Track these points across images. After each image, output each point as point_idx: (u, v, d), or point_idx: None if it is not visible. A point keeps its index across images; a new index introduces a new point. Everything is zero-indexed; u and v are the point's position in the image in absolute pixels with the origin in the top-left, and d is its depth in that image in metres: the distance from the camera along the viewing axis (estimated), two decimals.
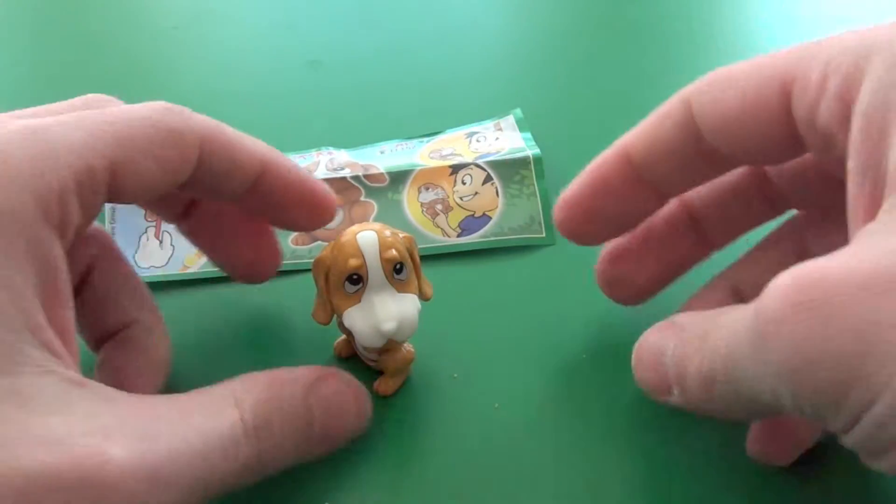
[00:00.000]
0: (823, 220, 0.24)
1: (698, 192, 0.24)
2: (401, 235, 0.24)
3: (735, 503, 0.22)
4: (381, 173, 0.35)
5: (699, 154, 0.21)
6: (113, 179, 0.19)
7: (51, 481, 0.15)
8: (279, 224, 0.26)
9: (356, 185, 0.34)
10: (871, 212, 0.15)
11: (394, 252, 0.23)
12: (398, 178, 0.35)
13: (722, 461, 0.23)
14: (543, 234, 0.33)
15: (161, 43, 0.50)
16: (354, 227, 0.23)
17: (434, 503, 0.22)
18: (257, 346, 0.28)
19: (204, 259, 0.32)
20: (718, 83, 0.20)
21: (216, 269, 0.31)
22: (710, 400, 0.18)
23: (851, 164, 0.16)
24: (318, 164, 0.36)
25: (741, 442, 0.24)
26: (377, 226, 0.24)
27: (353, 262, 0.22)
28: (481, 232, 0.33)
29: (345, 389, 0.22)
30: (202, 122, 0.22)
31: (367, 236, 0.23)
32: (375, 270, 0.23)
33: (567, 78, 0.46)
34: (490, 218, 0.34)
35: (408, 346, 0.26)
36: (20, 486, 0.15)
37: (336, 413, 0.22)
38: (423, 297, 0.24)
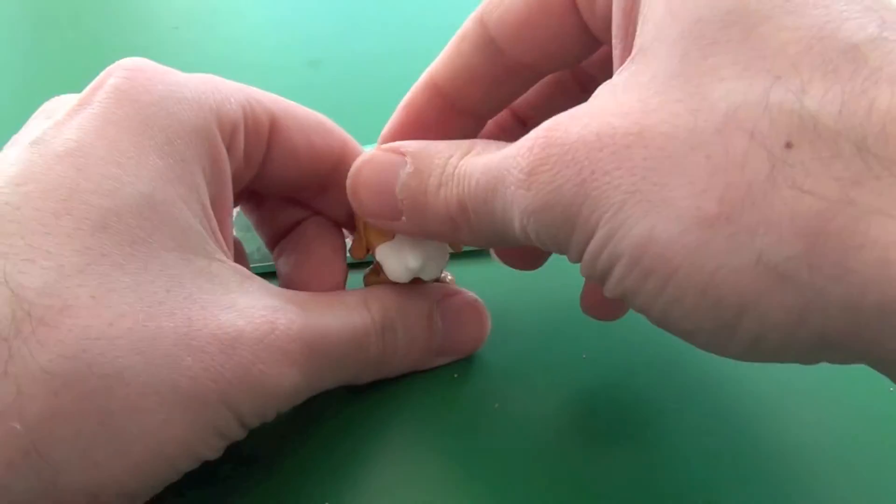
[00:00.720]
0: None
1: (525, 100, 0.25)
2: None
3: (739, 500, 0.22)
4: None
5: (503, 70, 0.22)
6: (272, 135, 0.22)
7: (241, 337, 0.18)
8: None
9: None
10: None
11: None
12: None
13: (726, 459, 0.23)
14: None
15: (161, 43, 0.50)
16: None
17: (434, 503, 0.22)
18: None
19: None
20: None
21: None
22: (456, 229, 0.19)
23: (612, 32, 0.18)
24: None
25: (744, 439, 0.24)
26: None
27: None
28: None
29: (468, 307, 0.25)
30: (345, 133, 0.24)
31: None
32: None
33: None
34: None
35: (449, 276, 0.27)
36: (224, 337, 0.18)
37: (457, 328, 0.25)
38: (454, 246, 0.26)
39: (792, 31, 0.14)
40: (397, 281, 0.24)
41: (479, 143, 0.19)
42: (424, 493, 0.23)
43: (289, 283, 0.24)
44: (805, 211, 0.13)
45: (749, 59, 0.14)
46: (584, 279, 0.29)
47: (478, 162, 0.19)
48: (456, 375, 0.26)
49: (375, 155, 0.21)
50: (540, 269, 0.32)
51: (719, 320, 0.15)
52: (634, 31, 0.17)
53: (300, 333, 0.20)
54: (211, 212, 0.20)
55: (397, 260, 0.24)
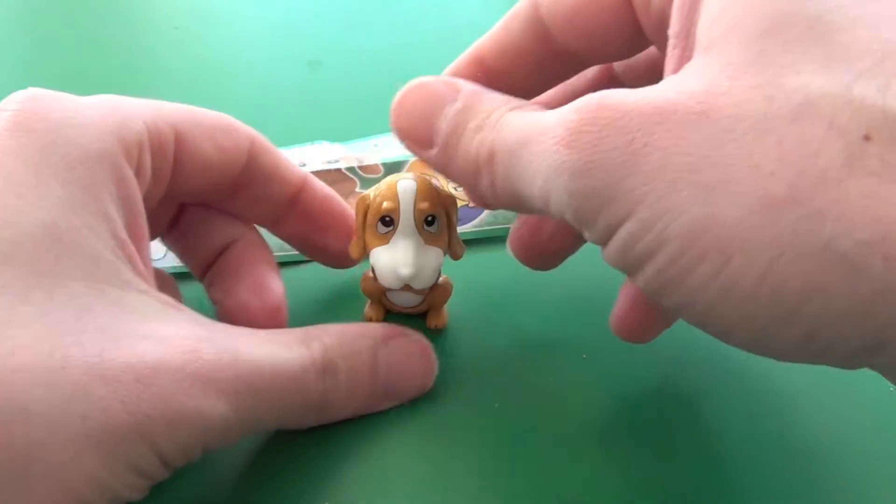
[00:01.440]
0: None
1: (555, 94, 0.24)
2: (442, 192, 0.25)
3: (741, 500, 0.22)
4: (376, 164, 0.35)
5: (550, 54, 0.21)
6: (178, 148, 0.21)
7: (160, 366, 0.17)
8: (312, 251, 0.27)
9: (351, 176, 0.34)
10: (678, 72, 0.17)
11: (427, 204, 0.24)
12: (392, 168, 0.35)
13: (727, 460, 0.23)
14: None
15: (162, 43, 0.50)
16: (400, 174, 0.24)
17: (434, 503, 0.22)
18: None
19: None
20: None
21: None
22: (477, 176, 0.19)
23: (670, 32, 0.17)
24: (313, 157, 0.35)
25: (745, 440, 0.23)
26: (425, 178, 0.24)
27: (387, 204, 0.23)
28: (476, 221, 0.33)
29: (413, 350, 0.24)
30: (250, 128, 0.24)
31: (406, 184, 0.24)
32: (407, 217, 0.24)
33: None
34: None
35: (446, 279, 0.27)
36: (141, 367, 0.17)
37: (401, 371, 0.23)
38: (452, 255, 0.25)
39: (870, 42, 0.14)
40: (388, 287, 0.24)
41: (534, 104, 0.19)
42: (424, 493, 0.22)
43: (226, 312, 0.24)
44: (882, 200, 0.13)
45: (829, 59, 0.14)
46: (594, 283, 0.29)
47: (522, 116, 0.18)
48: (456, 375, 0.25)
49: (429, 82, 0.20)
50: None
51: (776, 310, 0.14)
52: (693, 33, 0.16)
53: (230, 364, 0.18)
54: (126, 239, 0.19)
55: (389, 265, 0.24)
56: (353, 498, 0.22)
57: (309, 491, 0.22)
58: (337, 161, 0.35)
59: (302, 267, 0.31)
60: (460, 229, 0.33)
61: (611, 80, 0.24)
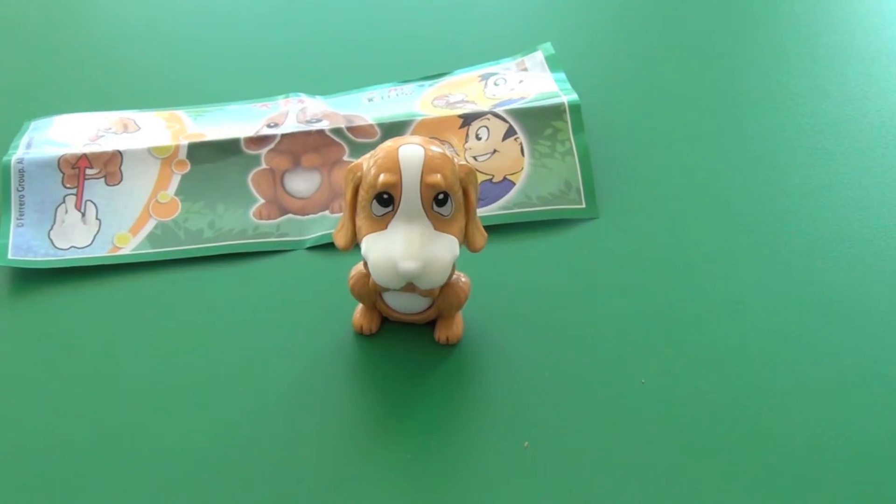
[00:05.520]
0: None
1: None
2: (458, 162, 0.21)
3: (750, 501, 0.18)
4: (370, 125, 0.30)
5: None
6: None
7: None
8: None
9: (338, 140, 0.29)
10: None
11: (438, 177, 0.20)
12: (393, 130, 0.30)
13: (736, 459, 0.19)
14: (583, 205, 0.29)
15: None
16: (403, 138, 0.21)
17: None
18: (214, 339, 0.23)
19: (139, 238, 0.27)
20: None
21: (154, 250, 0.28)
22: None
23: None
24: (286, 116, 0.30)
25: (752, 441, 0.19)
26: (433, 142, 0.21)
27: (386, 177, 0.20)
28: (501, 202, 0.29)
29: None
30: None
31: (410, 150, 0.20)
32: (411, 195, 0.20)
33: (608, 4, 0.41)
34: (513, 184, 0.29)
35: (463, 278, 0.23)
36: None
37: None
38: (470, 246, 0.22)
39: None
40: (385, 286, 0.21)
41: None
42: (424, 494, 0.19)
43: None
44: None
45: None
46: (657, 286, 0.26)
47: None
48: (474, 404, 0.21)
49: None
50: (577, 250, 0.27)
51: None
52: None
53: None
54: None
55: (387, 257, 0.20)
56: (354, 498, 0.20)
57: (309, 491, 0.20)
58: (319, 120, 0.30)
59: (280, 256, 0.27)
60: (481, 212, 0.29)
61: None
